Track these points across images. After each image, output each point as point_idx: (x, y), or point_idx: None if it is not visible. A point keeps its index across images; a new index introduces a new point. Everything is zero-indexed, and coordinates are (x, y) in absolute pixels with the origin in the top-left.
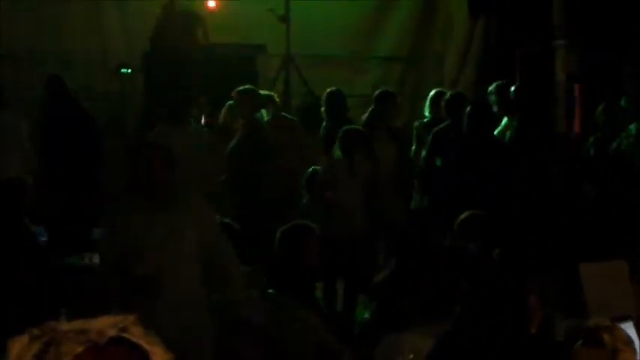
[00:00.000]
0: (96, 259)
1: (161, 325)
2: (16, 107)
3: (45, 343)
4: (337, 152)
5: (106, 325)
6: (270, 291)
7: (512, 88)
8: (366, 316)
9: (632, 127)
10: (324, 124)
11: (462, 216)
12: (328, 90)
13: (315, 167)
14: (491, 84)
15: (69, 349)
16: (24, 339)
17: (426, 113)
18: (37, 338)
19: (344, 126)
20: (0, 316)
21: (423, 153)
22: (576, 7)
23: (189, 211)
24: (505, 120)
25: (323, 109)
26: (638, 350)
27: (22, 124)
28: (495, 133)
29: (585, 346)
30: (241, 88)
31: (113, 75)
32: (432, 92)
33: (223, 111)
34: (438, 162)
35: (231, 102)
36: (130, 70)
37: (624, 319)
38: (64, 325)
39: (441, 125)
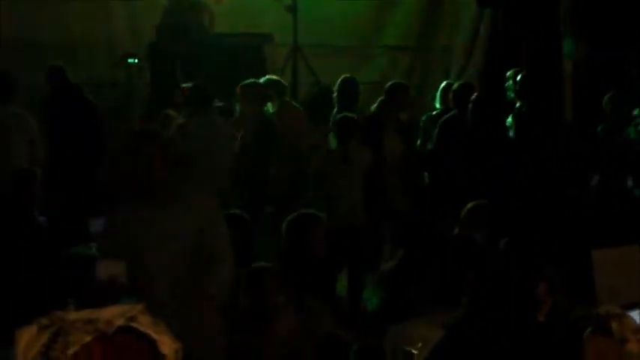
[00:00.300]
0: None
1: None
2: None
3: (53, 333)
4: (333, 141)
5: (113, 314)
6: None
7: (518, 78)
8: (374, 304)
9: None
10: (334, 111)
11: (468, 206)
12: (343, 77)
13: None
14: (499, 73)
15: (77, 339)
16: (32, 329)
17: (437, 105)
18: (45, 328)
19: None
20: (8, 306)
21: (429, 146)
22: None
23: (189, 210)
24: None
25: (335, 95)
26: None
27: (31, 118)
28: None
29: (594, 334)
30: (247, 81)
31: (119, 65)
32: (443, 84)
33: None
34: (429, 146)
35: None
36: (137, 60)
37: (633, 307)
38: (72, 315)
39: (448, 115)
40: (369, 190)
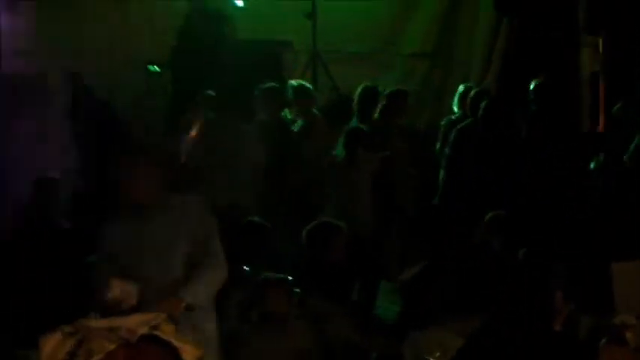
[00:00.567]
0: None
1: None
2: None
3: (78, 340)
4: (340, 149)
5: (137, 323)
6: (297, 290)
7: (532, 85)
8: (393, 312)
9: None
10: (353, 120)
11: (488, 216)
12: (363, 85)
13: None
14: (516, 81)
15: (101, 347)
16: (57, 336)
17: (455, 109)
18: (70, 335)
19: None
20: (32, 311)
21: (447, 150)
22: (601, 6)
23: (180, 221)
24: None
25: (355, 102)
26: None
27: (66, 122)
28: None
29: (609, 343)
30: (265, 85)
31: (141, 72)
32: (461, 88)
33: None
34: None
35: None
36: (157, 68)
37: None
38: (96, 323)
39: (464, 123)
40: (378, 194)
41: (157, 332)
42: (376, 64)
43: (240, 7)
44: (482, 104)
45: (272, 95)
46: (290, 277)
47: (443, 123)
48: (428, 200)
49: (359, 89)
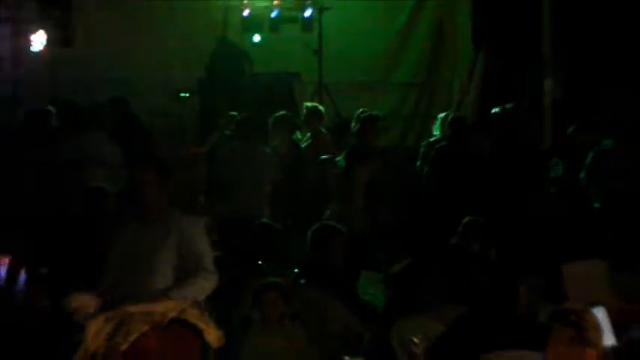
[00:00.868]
0: None
1: None
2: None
3: (117, 324)
4: (341, 162)
5: (167, 308)
6: (302, 281)
7: (497, 110)
8: (381, 301)
9: (608, 142)
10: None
11: (465, 220)
12: (361, 110)
13: None
14: (490, 106)
15: (136, 328)
16: (99, 320)
17: (436, 132)
18: (110, 320)
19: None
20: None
21: (426, 168)
22: (561, 43)
23: (169, 229)
24: None
25: (353, 124)
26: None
27: (108, 144)
28: None
29: (558, 324)
30: (278, 113)
31: (174, 98)
32: (441, 114)
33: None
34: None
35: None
36: (188, 94)
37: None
38: (132, 309)
39: (442, 143)
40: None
41: (184, 316)
42: (374, 92)
43: (257, 44)
44: (453, 127)
45: (284, 122)
46: (296, 271)
47: (423, 144)
48: (410, 207)
49: (356, 113)
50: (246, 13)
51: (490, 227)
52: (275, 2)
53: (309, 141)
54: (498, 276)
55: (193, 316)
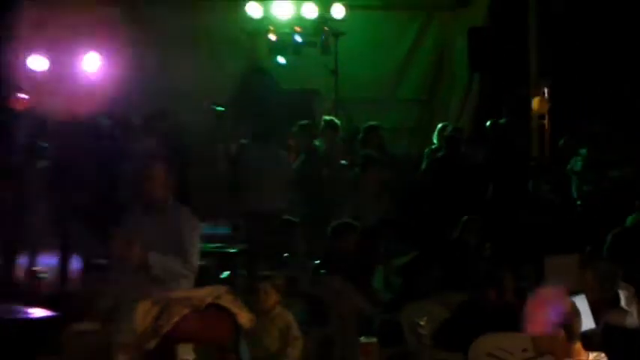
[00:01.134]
0: None
1: None
2: None
3: (162, 307)
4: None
5: (205, 294)
6: (322, 271)
7: (487, 123)
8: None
9: (583, 150)
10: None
11: (464, 218)
12: (369, 123)
13: None
14: (485, 120)
15: (178, 311)
16: (147, 303)
17: (435, 141)
18: (156, 303)
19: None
20: None
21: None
22: (546, 66)
23: (166, 224)
24: None
25: (361, 136)
26: (588, 319)
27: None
28: None
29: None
30: (302, 122)
31: (209, 111)
32: (439, 125)
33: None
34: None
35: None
36: (222, 108)
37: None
38: (175, 294)
39: (439, 153)
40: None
41: (219, 301)
42: (382, 107)
43: (282, 65)
44: (451, 138)
45: (306, 129)
46: (317, 262)
47: (426, 151)
48: (415, 206)
49: (365, 125)
50: (272, 38)
51: (485, 225)
52: (297, 28)
53: (324, 149)
54: (490, 266)
55: (228, 300)
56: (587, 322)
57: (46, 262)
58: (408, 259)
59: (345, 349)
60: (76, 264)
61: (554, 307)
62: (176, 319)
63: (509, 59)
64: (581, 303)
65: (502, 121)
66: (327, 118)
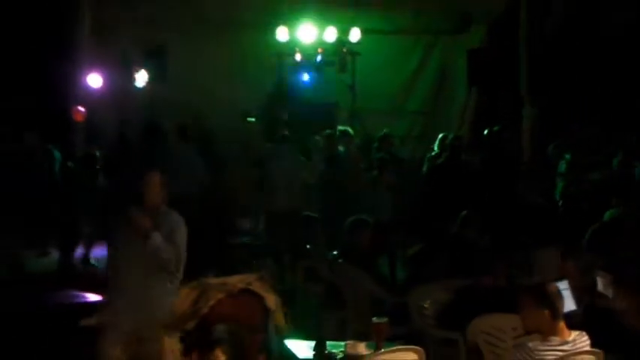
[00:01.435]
0: None
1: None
2: None
3: (200, 291)
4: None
5: (238, 280)
6: (340, 260)
7: (485, 131)
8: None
9: (568, 155)
10: (374, 154)
11: (463, 213)
12: (383, 133)
13: None
14: (482, 129)
15: (213, 295)
16: (187, 288)
17: (435, 148)
18: (194, 288)
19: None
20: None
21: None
22: (536, 80)
23: (160, 226)
24: None
25: (376, 144)
26: (570, 301)
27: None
28: None
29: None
30: (326, 131)
31: (241, 121)
32: (440, 135)
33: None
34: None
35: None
36: (253, 119)
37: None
38: (211, 280)
39: (440, 159)
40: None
41: (250, 287)
42: (392, 117)
43: (306, 81)
44: (453, 146)
45: (330, 138)
46: (335, 252)
47: (428, 156)
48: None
49: (380, 134)
50: (298, 58)
51: (483, 219)
52: (319, 50)
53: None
54: (486, 256)
55: (257, 286)
56: (570, 305)
57: (98, 254)
58: (415, 250)
59: (360, 327)
60: None
61: None
62: (212, 302)
63: (502, 75)
64: (564, 288)
65: (496, 128)
66: (342, 127)
